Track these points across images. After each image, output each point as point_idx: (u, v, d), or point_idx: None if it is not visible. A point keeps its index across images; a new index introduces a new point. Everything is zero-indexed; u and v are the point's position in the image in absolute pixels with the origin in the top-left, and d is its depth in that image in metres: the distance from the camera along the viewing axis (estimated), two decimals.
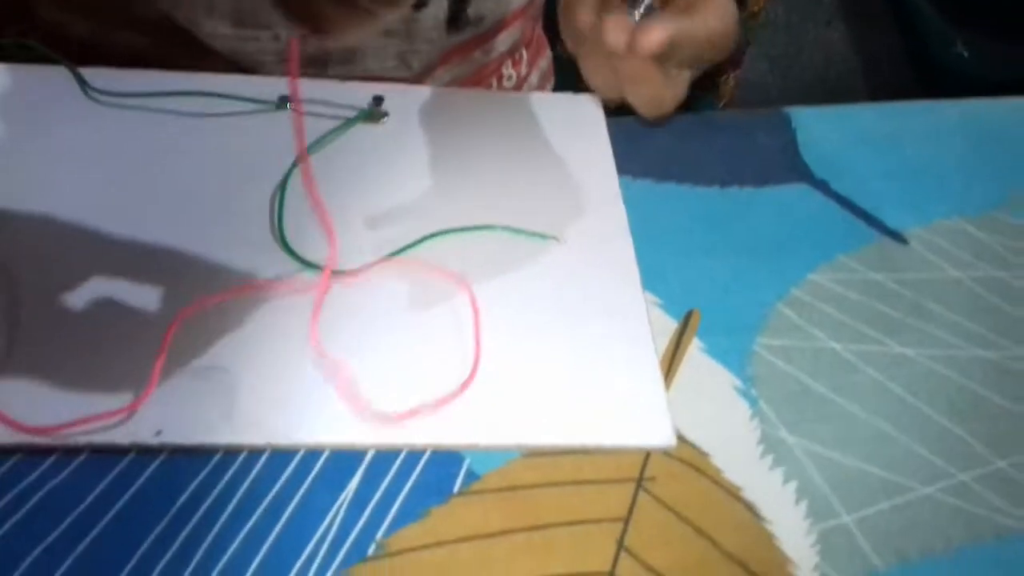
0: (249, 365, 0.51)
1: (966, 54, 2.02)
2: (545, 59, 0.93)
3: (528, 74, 0.89)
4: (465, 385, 0.51)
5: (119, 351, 0.51)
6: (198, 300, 0.52)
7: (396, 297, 0.56)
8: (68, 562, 0.44)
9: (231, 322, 0.53)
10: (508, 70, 0.85)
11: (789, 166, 0.71)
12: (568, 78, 0.89)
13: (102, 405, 0.48)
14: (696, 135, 0.73)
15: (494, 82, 0.84)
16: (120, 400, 0.48)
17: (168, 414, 0.49)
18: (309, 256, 0.57)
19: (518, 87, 0.87)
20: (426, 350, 0.54)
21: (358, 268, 0.56)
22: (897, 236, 0.67)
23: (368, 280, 0.56)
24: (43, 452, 0.47)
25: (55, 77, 0.64)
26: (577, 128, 0.70)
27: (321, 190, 0.61)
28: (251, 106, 0.66)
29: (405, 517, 0.48)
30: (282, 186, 0.61)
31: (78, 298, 0.53)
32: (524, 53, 0.87)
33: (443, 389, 0.52)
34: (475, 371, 0.52)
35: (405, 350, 0.54)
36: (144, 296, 0.54)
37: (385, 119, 0.67)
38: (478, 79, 0.81)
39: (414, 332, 0.55)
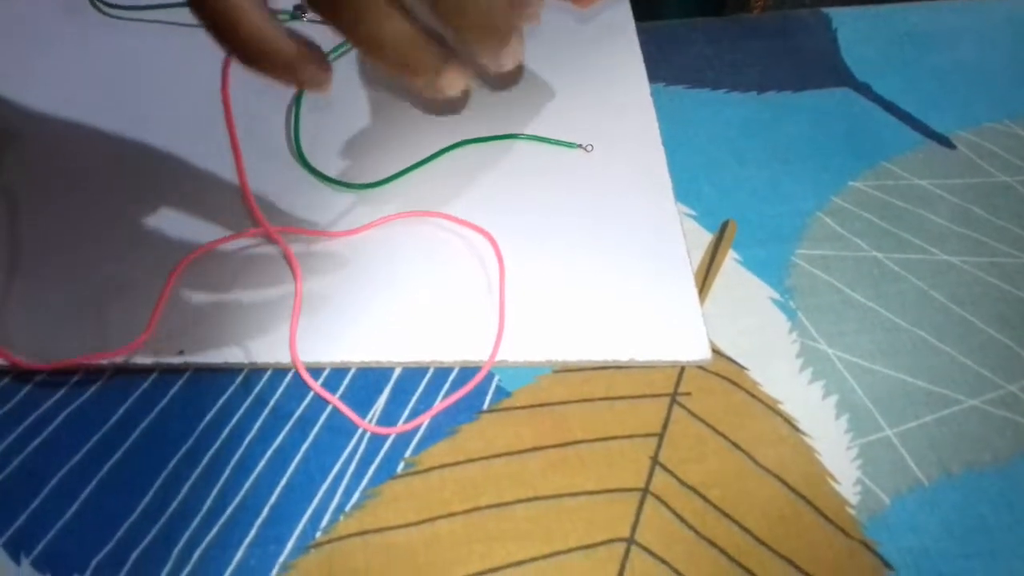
0: (273, 285, 0.50)
1: None
2: None
3: None
4: (491, 359, 0.49)
5: (133, 275, 0.50)
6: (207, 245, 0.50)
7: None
8: (94, 482, 0.44)
9: (253, 245, 0.52)
10: None
11: (829, 69, 0.67)
12: None
13: (117, 333, 0.47)
14: (731, 39, 0.69)
15: None
16: (134, 329, 0.47)
17: (191, 334, 0.48)
18: (331, 171, 0.55)
19: None
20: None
21: (373, 222, 0.53)
22: (943, 140, 0.64)
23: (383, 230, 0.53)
24: (66, 373, 0.47)
25: None
26: (606, 33, 0.67)
27: (337, 101, 0.58)
28: None
29: (434, 435, 0.47)
30: (296, 100, 0.59)
31: (88, 219, 0.52)
32: None
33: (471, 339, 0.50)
34: (499, 341, 0.49)
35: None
36: (161, 218, 0.52)
37: (305, 15, 0.64)
38: None
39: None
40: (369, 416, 0.47)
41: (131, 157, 0.55)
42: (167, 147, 0.56)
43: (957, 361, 0.53)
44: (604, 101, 0.62)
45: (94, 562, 0.41)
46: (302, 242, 0.52)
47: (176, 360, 0.47)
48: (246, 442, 0.46)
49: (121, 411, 0.46)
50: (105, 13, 0.62)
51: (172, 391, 0.47)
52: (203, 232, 0.51)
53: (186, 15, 0.61)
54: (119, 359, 0.47)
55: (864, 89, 0.66)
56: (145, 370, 0.47)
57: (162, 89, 0.59)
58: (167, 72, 0.60)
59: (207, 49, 0.56)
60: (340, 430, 0.46)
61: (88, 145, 0.56)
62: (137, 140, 0.56)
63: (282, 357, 0.48)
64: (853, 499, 0.47)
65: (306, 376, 0.47)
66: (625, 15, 0.67)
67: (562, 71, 0.63)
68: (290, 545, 0.43)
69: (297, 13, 0.64)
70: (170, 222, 0.52)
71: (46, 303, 0.48)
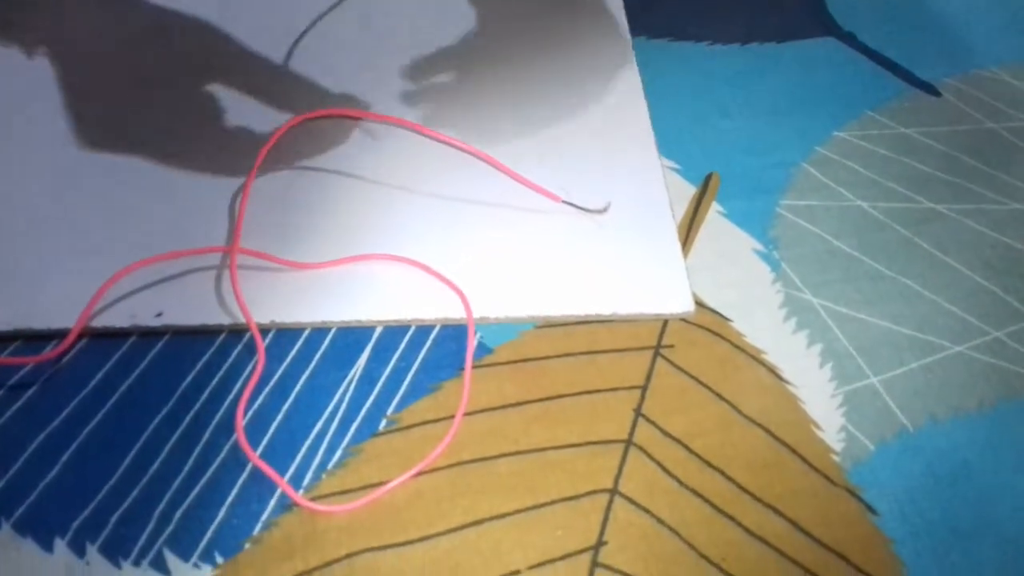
0: (249, 245, 0.49)
1: None
2: None
3: None
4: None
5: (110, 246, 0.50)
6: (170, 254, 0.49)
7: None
8: (74, 445, 0.43)
9: (230, 203, 0.51)
10: None
11: (814, 19, 0.67)
12: None
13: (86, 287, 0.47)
14: None
15: None
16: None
17: (168, 296, 0.48)
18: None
19: None
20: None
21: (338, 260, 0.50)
22: (929, 88, 0.63)
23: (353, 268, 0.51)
24: (42, 338, 0.46)
25: None
26: None
27: (318, 58, 0.58)
28: None
29: (416, 392, 0.47)
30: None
31: (73, 190, 0.52)
32: None
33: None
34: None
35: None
36: (141, 187, 0.52)
37: None
38: None
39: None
40: (350, 376, 0.47)
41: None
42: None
43: (943, 308, 0.52)
44: (585, 53, 0.61)
45: (75, 524, 0.41)
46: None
47: (154, 323, 0.47)
48: (226, 403, 0.45)
49: (100, 375, 0.46)
50: None
51: (151, 354, 0.47)
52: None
53: None
54: (95, 323, 0.46)
55: (849, 38, 0.66)
56: (123, 333, 0.47)
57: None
58: None
59: None
60: (321, 389, 0.46)
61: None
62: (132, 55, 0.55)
63: (261, 318, 0.47)
64: (837, 446, 0.46)
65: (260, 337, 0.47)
66: None
67: (543, 25, 0.63)
68: (272, 503, 0.43)
69: None
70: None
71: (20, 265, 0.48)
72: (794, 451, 0.46)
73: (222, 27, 0.60)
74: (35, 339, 0.46)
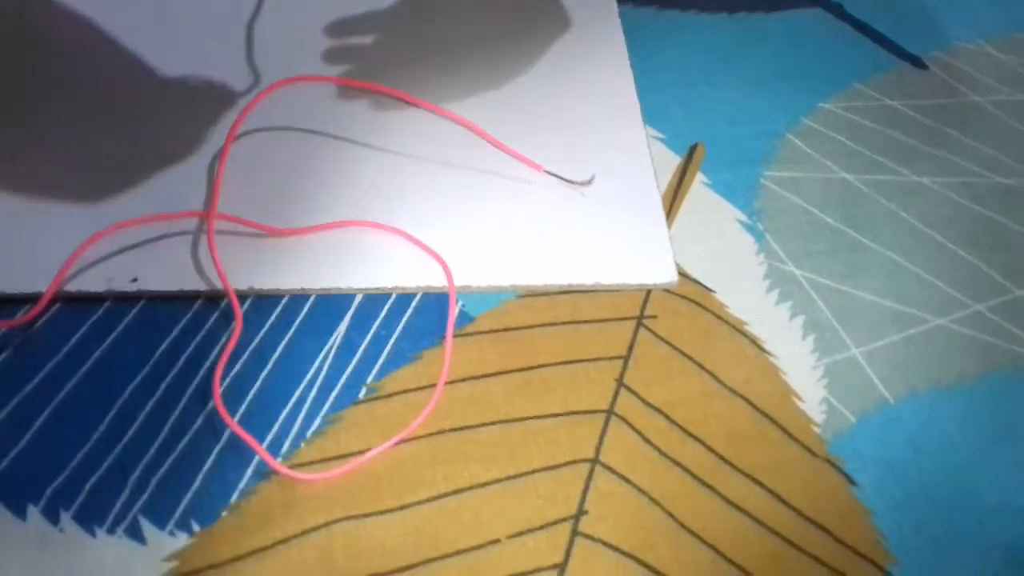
0: (228, 211, 0.49)
1: None
2: None
3: None
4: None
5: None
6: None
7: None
8: (47, 411, 0.43)
9: (208, 168, 0.50)
10: None
11: None
12: None
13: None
14: None
15: None
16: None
17: (144, 261, 0.47)
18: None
19: None
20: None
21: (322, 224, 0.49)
22: (915, 61, 0.63)
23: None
24: (15, 302, 0.45)
25: None
26: None
27: (295, 26, 0.57)
28: None
29: (397, 360, 0.46)
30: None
31: (47, 152, 0.50)
32: None
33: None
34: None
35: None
36: (117, 151, 0.51)
37: None
38: None
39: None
40: (330, 343, 0.46)
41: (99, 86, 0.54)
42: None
43: (925, 281, 0.52)
44: (571, 24, 0.60)
45: (49, 491, 0.40)
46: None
47: (129, 288, 0.46)
48: (203, 370, 0.45)
49: (74, 340, 0.45)
50: None
51: (126, 320, 0.46)
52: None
53: None
54: (70, 287, 0.45)
55: (836, 9, 0.65)
56: (98, 298, 0.46)
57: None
58: None
59: None
60: (300, 356, 0.46)
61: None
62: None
63: (239, 284, 0.47)
64: (818, 418, 0.46)
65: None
66: None
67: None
68: (250, 471, 0.42)
69: None
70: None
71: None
72: (775, 422, 0.46)
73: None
74: (7, 303, 0.45)
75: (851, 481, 0.44)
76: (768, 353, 0.48)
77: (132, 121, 0.52)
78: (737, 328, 0.49)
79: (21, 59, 0.54)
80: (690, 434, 0.45)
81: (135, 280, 0.46)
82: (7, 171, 0.49)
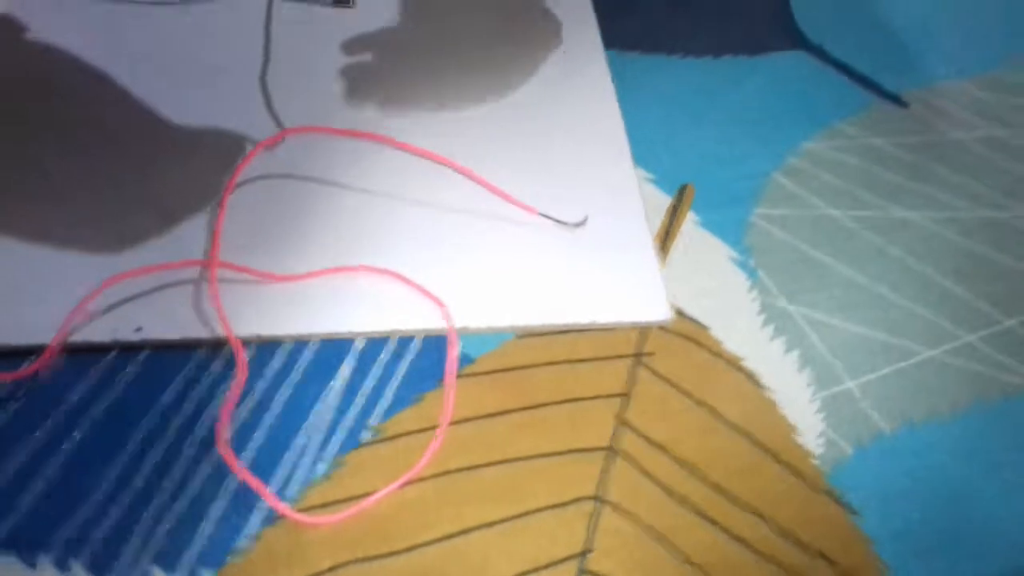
0: (228, 258, 0.49)
1: None
2: None
3: None
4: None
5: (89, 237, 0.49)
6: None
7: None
8: (56, 462, 0.43)
9: (208, 217, 0.51)
10: None
11: (783, 32, 0.68)
12: None
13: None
14: (686, 4, 0.70)
15: None
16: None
17: (148, 310, 0.47)
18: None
19: None
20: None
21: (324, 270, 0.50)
22: (896, 99, 0.64)
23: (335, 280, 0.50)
24: (20, 355, 0.46)
25: None
26: (559, 2, 0.66)
27: (290, 79, 0.58)
28: None
29: (399, 403, 0.47)
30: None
31: (50, 204, 0.51)
32: None
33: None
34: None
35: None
36: (120, 201, 0.52)
37: (352, 4, 0.64)
38: None
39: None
40: (332, 387, 0.47)
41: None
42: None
43: (915, 313, 0.53)
44: (559, 67, 0.62)
45: (59, 541, 0.41)
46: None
47: (134, 337, 0.47)
48: (208, 417, 0.45)
49: (80, 391, 0.45)
50: None
51: (131, 369, 0.46)
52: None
53: None
54: (75, 337, 0.46)
55: (817, 51, 0.67)
56: (103, 348, 0.47)
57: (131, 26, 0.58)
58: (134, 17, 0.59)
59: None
60: (304, 401, 0.46)
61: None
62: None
63: (242, 331, 0.47)
64: (817, 450, 0.47)
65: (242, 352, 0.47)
66: None
67: (516, 41, 0.63)
68: (256, 516, 0.42)
69: None
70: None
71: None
72: (774, 456, 0.47)
73: (191, 45, 0.60)
74: (13, 355, 0.46)
75: (851, 511, 0.45)
76: (765, 388, 0.49)
77: (136, 171, 0.53)
78: (733, 364, 0.50)
79: (28, 106, 0.55)
80: (691, 469, 0.46)
81: (139, 329, 0.47)
82: (12, 222, 0.50)
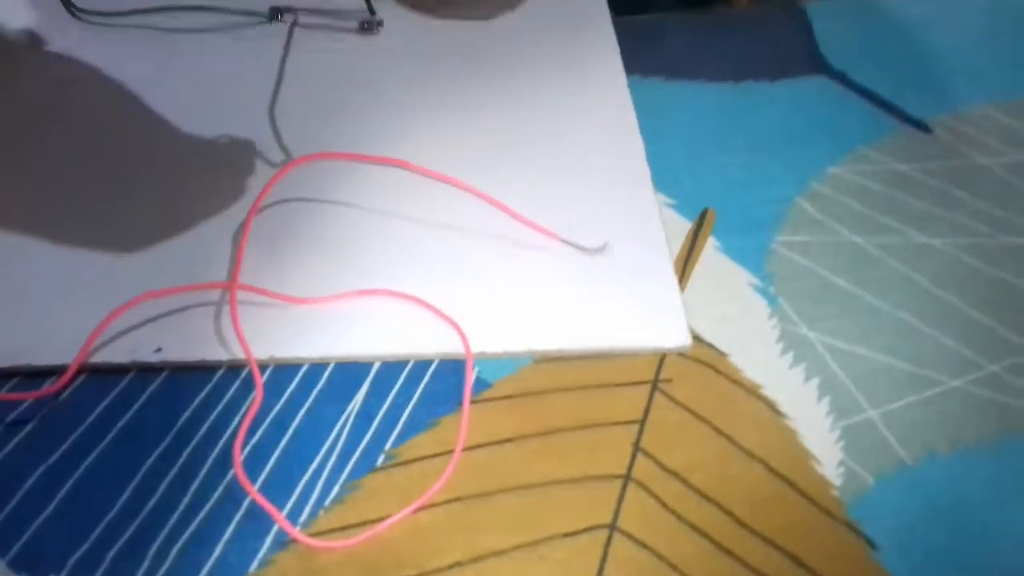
0: (248, 281, 0.50)
1: None
2: None
3: None
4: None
5: (108, 271, 0.50)
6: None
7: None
8: (71, 481, 0.43)
9: (230, 240, 0.52)
10: None
11: (806, 59, 0.68)
12: None
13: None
14: (709, 31, 0.70)
15: None
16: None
17: (168, 331, 0.48)
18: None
19: None
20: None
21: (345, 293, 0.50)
22: (921, 125, 0.64)
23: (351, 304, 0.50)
24: (42, 374, 0.46)
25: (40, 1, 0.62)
26: (581, 28, 0.67)
27: (314, 105, 0.59)
28: (241, 19, 0.63)
29: (415, 427, 0.47)
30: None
31: (74, 226, 0.52)
32: None
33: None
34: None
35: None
36: (143, 223, 0.52)
37: (380, 28, 0.65)
38: None
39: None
40: (348, 411, 0.47)
41: (113, 164, 0.55)
42: (147, 149, 0.56)
43: (940, 342, 0.52)
44: (582, 94, 0.62)
45: (71, 561, 0.41)
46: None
47: (153, 359, 0.47)
48: (224, 438, 0.45)
49: (98, 410, 0.46)
50: (81, 19, 0.62)
51: (149, 389, 0.47)
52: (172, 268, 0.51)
53: (163, 19, 0.62)
54: (95, 358, 0.46)
55: (840, 77, 0.67)
56: (122, 369, 0.47)
57: (145, 94, 0.59)
58: (148, 76, 0.60)
59: (183, 53, 0.55)
60: (319, 424, 0.46)
61: (66, 152, 0.55)
62: (120, 143, 0.56)
63: (260, 353, 0.47)
64: (836, 480, 0.46)
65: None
66: (601, 7, 0.67)
67: (540, 66, 0.63)
68: (269, 540, 0.42)
69: (274, 16, 0.64)
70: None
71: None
72: (793, 485, 0.46)
73: (217, 76, 0.60)
74: (35, 375, 0.46)
75: (871, 544, 0.44)
76: (784, 416, 0.48)
77: (159, 193, 0.54)
78: (752, 391, 0.49)
79: (50, 127, 0.56)
80: (708, 498, 0.45)
81: (159, 350, 0.47)
82: (34, 243, 0.50)
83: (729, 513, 0.45)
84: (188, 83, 0.60)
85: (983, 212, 0.59)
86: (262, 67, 0.61)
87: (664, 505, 0.45)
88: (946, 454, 0.48)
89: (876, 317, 0.53)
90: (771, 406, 0.49)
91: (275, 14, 0.64)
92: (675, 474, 0.46)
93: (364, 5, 0.64)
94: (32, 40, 0.60)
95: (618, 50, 0.65)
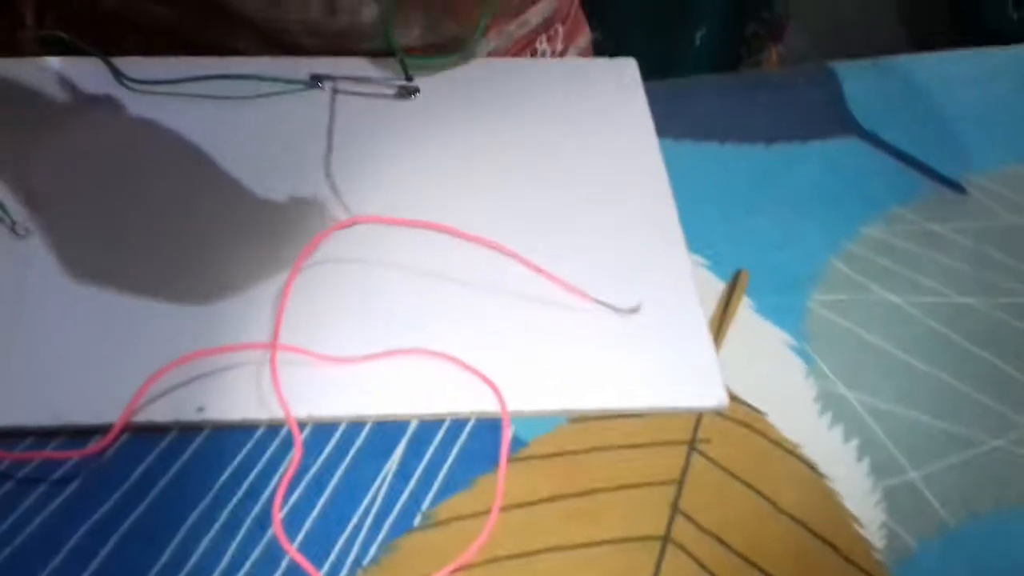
0: (286, 341, 0.50)
1: (1017, 16, 1.95)
2: (584, 36, 0.91)
3: (564, 50, 0.87)
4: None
5: (153, 338, 0.51)
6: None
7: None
8: (112, 541, 0.44)
9: (270, 301, 0.53)
10: (543, 45, 0.84)
11: (836, 120, 0.68)
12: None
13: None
14: (738, 93, 0.71)
15: (528, 56, 0.82)
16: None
17: (209, 391, 0.48)
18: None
19: None
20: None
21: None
22: (954, 185, 0.64)
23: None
24: (84, 433, 0.47)
25: (90, 68, 0.64)
26: (614, 92, 0.68)
27: (352, 168, 0.60)
28: (282, 86, 0.65)
29: (451, 487, 0.47)
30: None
31: (119, 284, 0.53)
32: (560, 28, 0.86)
33: None
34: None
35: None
36: (186, 282, 0.54)
37: (416, 95, 0.66)
38: (512, 53, 0.80)
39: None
40: (385, 470, 0.47)
41: (158, 225, 0.57)
42: (192, 214, 0.57)
43: (979, 402, 0.52)
44: (615, 158, 0.63)
45: None
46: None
47: (195, 418, 0.48)
48: (263, 497, 0.46)
49: (141, 469, 0.46)
50: (130, 88, 0.64)
51: (191, 448, 0.47)
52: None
53: (207, 87, 0.64)
54: (138, 418, 0.47)
55: (872, 138, 0.67)
56: (164, 428, 0.48)
57: (189, 160, 0.61)
58: (192, 142, 0.61)
59: (227, 121, 0.57)
60: (358, 483, 0.46)
61: (113, 215, 0.57)
62: (164, 208, 0.58)
63: (299, 412, 0.48)
64: (879, 543, 0.46)
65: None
66: (632, 71, 0.69)
67: (574, 130, 0.65)
68: None
69: (314, 83, 0.66)
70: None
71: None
72: (834, 547, 0.45)
73: (260, 141, 0.62)
74: (79, 434, 0.47)
75: None
76: (823, 476, 0.48)
77: (201, 255, 0.55)
78: (791, 451, 0.49)
79: (96, 190, 0.57)
80: (748, 560, 0.45)
81: (201, 410, 0.48)
82: (79, 304, 0.52)
83: (770, 575, 0.44)
84: (233, 148, 0.61)
85: (1019, 271, 0.58)
86: (302, 132, 0.63)
87: (704, 567, 0.44)
88: (988, 515, 0.47)
89: (914, 376, 0.53)
90: (810, 466, 0.49)
91: (315, 81, 0.66)
92: (714, 535, 0.46)
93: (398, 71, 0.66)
94: (84, 107, 0.63)
95: (649, 114, 0.66)
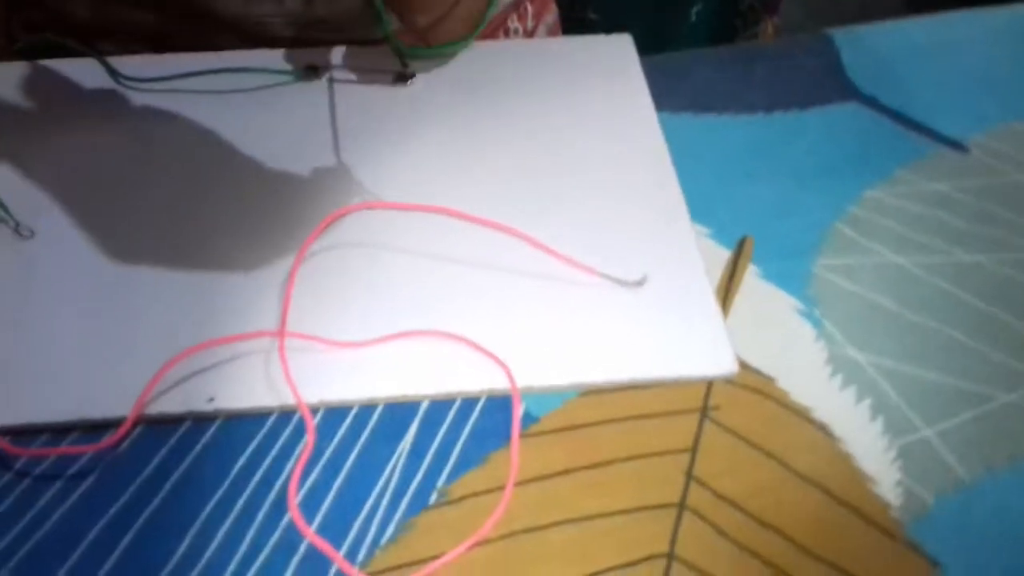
0: (294, 328, 0.51)
1: None
2: (551, 14, 0.91)
3: (534, 28, 0.87)
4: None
5: (153, 334, 0.51)
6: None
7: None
8: (131, 533, 0.44)
9: (277, 288, 0.53)
10: (514, 23, 0.84)
11: (835, 85, 0.68)
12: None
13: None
14: (735, 66, 0.71)
15: (501, 35, 0.82)
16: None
17: (220, 380, 0.49)
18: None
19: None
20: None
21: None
22: (955, 144, 0.64)
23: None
24: (99, 428, 0.47)
25: (87, 69, 0.65)
26: (610, 68, 0.68)
27: (353, 155, 0.60)
28: (279, 78, 0.65)
29: (465, 464, 0.47)
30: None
31: (125, 279, 0.53)
32: (528, 7, 0.86)
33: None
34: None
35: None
36: (193, 273, 0.54)
37: (413, 80, 0.66)
38: (485, 34, 0.80)
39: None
40: (399, 450, 0.47)
41: (160, 221, 0.57)
42: (197, 208, 0.57)
43: (990, 358, 0.52)
44: (614, 133, 0.63)
45: None
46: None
47: (207, 408, 0.48)
48: (279, 483, 0.46)
49: (155, 461, 0.47)
50: (126, 86, 0.64)
51: (204, 438, 0.47)
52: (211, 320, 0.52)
53: (203, 82, 0.64)
54: (150, 410, 0.47)
55: (871, 102, 0.67)
56: (177, 419, 0.48)
57: (189, 154, 0.61)
58: (192, 137, 0.62)
59: (226, 113, 0.57)
60: (372, 464, 0.47)
61: (115, 213, 0.57)
62: (168, 202, 0.58)
63: (310, 398, 0.48)
64: (895, 501, 0.46)
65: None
66: (628, 48, 0.69)
67: (571, 108, 0.65)
68: None
69: (311, 74, 0.66)
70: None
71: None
72: (851, 507, 0.45)
73: (260, 132, 0.62)
74: (93, 429, 0.47)
75: (934, 563, 0.43)
76: (837, 439, 0.48)
77: (207, 246, 0.55)
78: (803, 415, 0.49)
79: (97, 190, 0.58)
80: (765, 524, 0.45)
81: (212, 400, 0.48)
82: (89, 300, 0.52)
83: (788, 538, 0.44)
84: (235, 140, 0.61)
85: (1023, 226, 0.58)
86: (302, 122, 0.63)
87: (722, 533, 0.44)
88: (1004, 470, 0.47)
89: (923, 335, 0.53)
90: (823, 429, 0.48)
91: (310, 71, 0.66)
92: (731, 501, 0.46)
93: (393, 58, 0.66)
94: (84, 106, 0.63)
95: (646, 86, 0.65)
